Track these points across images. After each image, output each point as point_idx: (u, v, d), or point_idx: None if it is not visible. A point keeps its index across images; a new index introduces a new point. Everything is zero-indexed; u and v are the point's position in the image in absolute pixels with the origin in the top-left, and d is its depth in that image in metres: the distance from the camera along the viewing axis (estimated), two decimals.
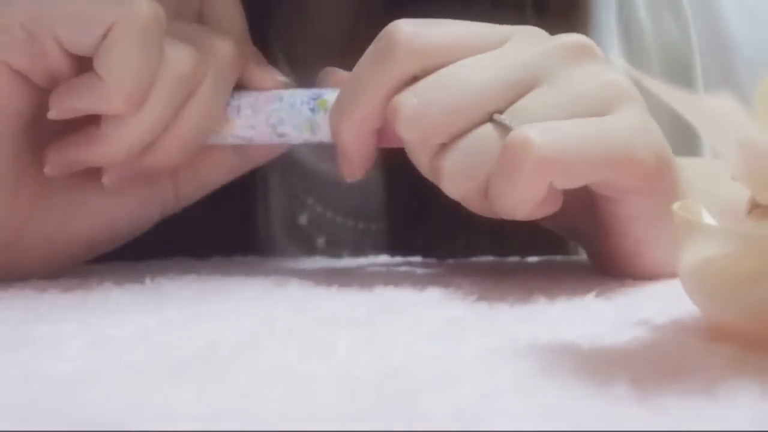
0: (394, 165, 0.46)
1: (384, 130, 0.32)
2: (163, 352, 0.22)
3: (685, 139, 0.43)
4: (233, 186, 0.46)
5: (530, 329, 0.25)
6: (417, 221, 0.46)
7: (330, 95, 0.34)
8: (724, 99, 0.18)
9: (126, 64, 0.31)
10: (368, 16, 0.45)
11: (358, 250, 0.47)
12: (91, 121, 0.33)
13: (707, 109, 0.19)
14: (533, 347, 0.23)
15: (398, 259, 0.41)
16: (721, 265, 0.22)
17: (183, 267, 0.37)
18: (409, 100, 0.30)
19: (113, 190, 0.35)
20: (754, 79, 0.21)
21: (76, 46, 0.31)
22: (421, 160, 0.31)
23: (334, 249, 0.48)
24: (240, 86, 0.36)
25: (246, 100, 0.36)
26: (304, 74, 0.46)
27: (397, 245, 0.45)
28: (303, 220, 0.48)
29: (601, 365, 0.21)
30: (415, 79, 0.30)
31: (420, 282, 0.30)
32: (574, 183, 0.29)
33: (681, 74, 0.46)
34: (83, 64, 0.32)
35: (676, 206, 0.23)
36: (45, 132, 0.34)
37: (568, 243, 0.46)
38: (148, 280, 0.34)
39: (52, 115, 0.32)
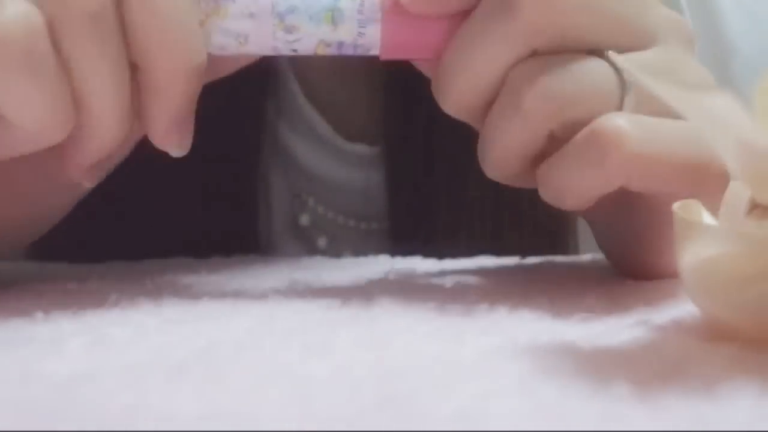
0: (395, 165, 0.47)
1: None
2: (163, 352, 0.22)
3: None
4: (234, 186, 0.46)
5: (530, 329, 0.25)
6: (417, 221, 0.46)
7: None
8: (723, 98, 0.18)
9: (19, 103, 0.25)
10: None
11: (359, 251, 0.47)
12: None
13: (706, 108, 0.19)
14: (533, 347, 0.23)
15: (398, 259, 0.41)
16: (721, 265, 0.22)
17: (183, 267, 0.37)
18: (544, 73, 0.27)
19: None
20: (753, 79, 0.21)
21: None
22: (534, 131, 0.28)
23: (335, 249, 0.48)
24: None
25: None
26: (308, 76, 0.47)
27: (397, 245, 0.45)
28: (304, 220, 0.48)
29: (601, 365, 0.21)
30: None
31: (420, 282, 0.30)
32: (651, 188, 0.27)
33: None
34: None
35: (676, 206, 0.23)
36: None
37: (568, 243, 0.46)
38: (148, 281, 0.34)
39: None
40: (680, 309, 0.26)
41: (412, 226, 0.46)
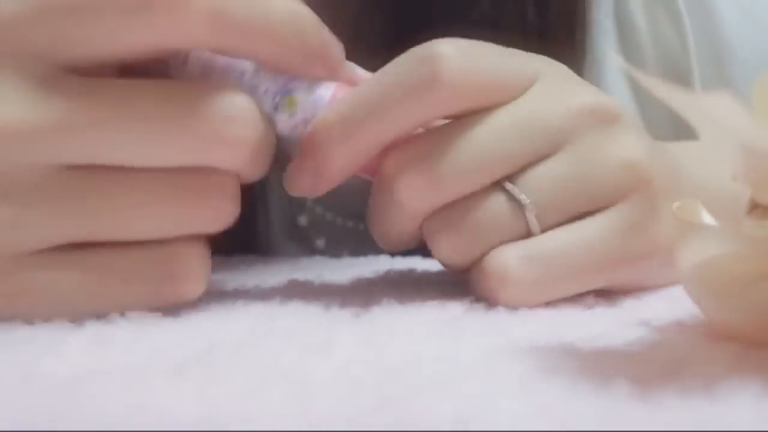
0: None
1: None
2: (163, 352, 0.22)
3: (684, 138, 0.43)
4: None
5: (530, 329, 0.25)
6: None
7: (302, 95, 0.28)
8: (722, 98, 0.18)
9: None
10: (369, 20, 0.45)
11: (357, 251, 0.47)
12: None
13: (706, 108, 0.19)
14: (533, 347, 0.23)
15: (398, 259, 0.41)
16: (722, 265, 0.22)
17: None
18: (417, 165, 0.27)
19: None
20: (751, 81, 0.21)
21: None
22: (409, 219, 0.28)
23: (334, 249, 0.48)
24: None
25: (197, 55, 0.28)
26: None
27: None
28: (303, 220, 0.48)
29: (601, 365, 0.21)
30: None
31: (420, 282, 0.30)
32: (563, 296, 0.28)
33: (677, 77, 0.46)
34: None
35: (676, 206, 0.23)
36: None
37: None
38: None
39: None
40: (680, 309, 0.26)
41: None
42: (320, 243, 0.49)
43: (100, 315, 0.26)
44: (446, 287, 0.32)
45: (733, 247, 0.21)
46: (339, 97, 0.28)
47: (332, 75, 0.28)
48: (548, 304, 0.28)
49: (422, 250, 0.38)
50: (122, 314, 0.26)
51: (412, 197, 0.27)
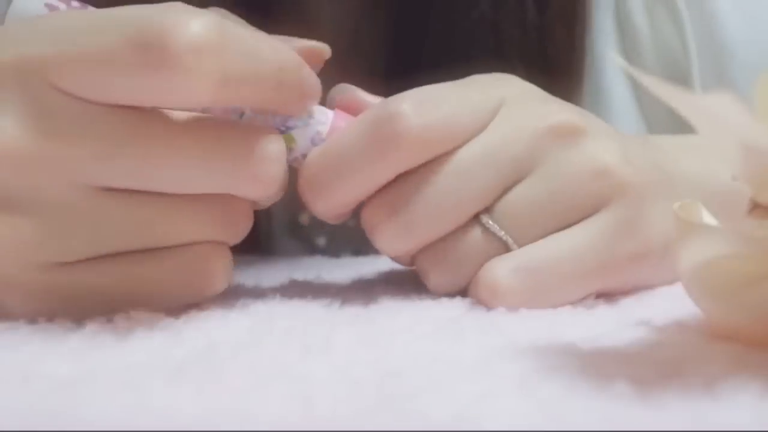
0: None
1: None
2: (163, 352, 0.22)
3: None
4: None
5: (530, 329, 0.25)
6: None
7: (300, 131, 0.29)
8: (722, 98, 0.18)
9: None
10: (370, 20, 0.45)
11: (358, 250, 0.47)
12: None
13: (706, 108, 0.19)
14: (533, 347, 0.23)
15: None
16: (722, 265, 0.22)
17: None
18: (393, 216, 0.28)
19: None
20: (751, 81, 0.21)
21: None
22: (397, 258, 0.30)
23: (334, 248, 0.48)
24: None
25: None
26: None
27: None
28: (304, 219, 0.48)
29: (601, 365, 0.21)
30: None
31: (420, 282, 0.30)
32: (556, 304, 0.28)
33: (678, 77, 0.46)
34: None
35: (676, 206, 0.23)
36: None
37: None
38: None
39: None
40: (680, 309, 0.26)
41: None
42: (321, 241, 0.49)
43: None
44: None
45: (733, 247, 0.21)
46: (338, 126, 0.29)
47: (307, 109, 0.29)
48: None
49: None
50: (125, 314, 0.26)
51: (389, 245, 0.29)
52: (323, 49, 0.30)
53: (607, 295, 0.29)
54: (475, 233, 0.29)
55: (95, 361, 0.22)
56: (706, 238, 0.22)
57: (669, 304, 0.28)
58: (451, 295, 0.29)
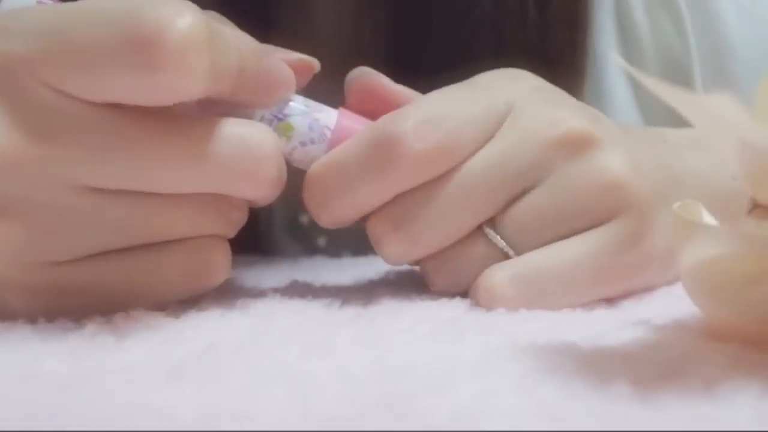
0: None
1: None
2: (163, 352, 0.22)
3: None
4: None
5: (530, 329, 0.25)
6: None
7: (298, 120, 0.29)
8: (723, 98, 0.18)
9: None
10: (371, 20, 0.45)
11: (358, 250, 0.47)
12: None
13: (706, 108, 0.19)
14: (533, 347, 0.23)
15: None
16: (722, 265, 0.22)
17: None
18: (398, 230, 0.28)
19: None
20: (751, 81, 0.21)
21: None
22: (402, 264, 0.30)
23: (334, 248, 0.48)
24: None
25: None
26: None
27: None
28: (304, 219, 0.48)
29: (601, 365, 0.21)
30: None
31: (420, 282, 0.30)
32: (555, 309, 0.28)
33: (678, 76, 0.46)
34: None
35: (675, 206, 0.23)
36: None
37: None
38: None
39: None
40: (680, 309, 0.26)
41: None
42: (321, 241, 0.49)
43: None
44: None
45: (733, 247, 0.21)
46: (343, 126, 0.29)
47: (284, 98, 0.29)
48: None
49: None
50: (125, 314, 0.26)
51: (395, 255, 0.29)
52: (312, 62, 0.30)
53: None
54: (479, 243, 0.29)
55: (95, 361, 0.22)
56: (705, 237, 0.22)
57: (668, 304, 0.28)
58: (451, 295, 0.29)
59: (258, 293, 0.31)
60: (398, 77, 0.31)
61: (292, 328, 0.25)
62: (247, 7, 0.35)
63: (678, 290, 0.25)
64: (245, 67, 0.27)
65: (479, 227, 0.29)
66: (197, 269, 0.28)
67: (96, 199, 0.26)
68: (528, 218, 0.28)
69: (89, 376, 0.20)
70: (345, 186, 0.28)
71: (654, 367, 0.20)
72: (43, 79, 0.25)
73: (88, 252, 0.26)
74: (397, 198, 0.29)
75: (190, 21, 0.24)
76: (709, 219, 0.24)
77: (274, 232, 0.49)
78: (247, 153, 0.26)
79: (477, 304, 0.28)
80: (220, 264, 0.28)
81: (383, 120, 0.28)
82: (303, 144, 0.29)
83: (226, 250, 0.28)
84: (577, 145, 0.28)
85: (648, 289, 0.30)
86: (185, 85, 0.25)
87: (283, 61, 0.29)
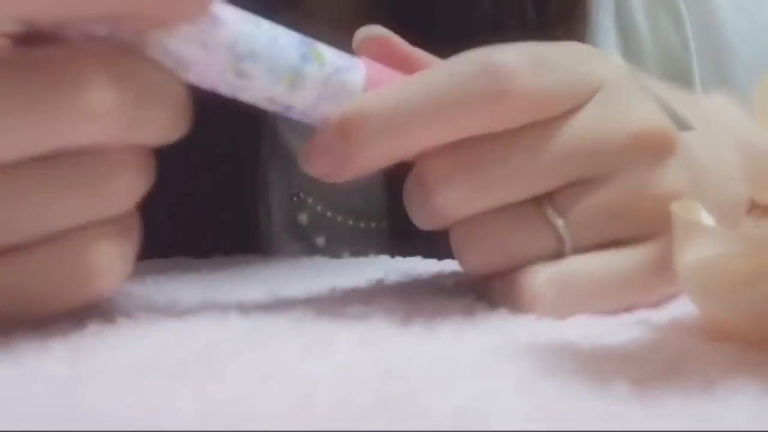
0: (395, 166, 0.47)
1: None
2: (163, 352, 0.22)
3: None
4: (234, 185, 0.46)
5: (530, 329, 0.25)
6: None
7: (327, 50, 0.25)
8: (722, 98, 0.18)
9: None
10: (371, 20, 0.45)
11: (358, 250, 0.47)
12: None
13: (706, 108, 0.19)
14: (533, 347, 0.23)
15: (398, 259, 0.41)
16: (721, 265, 0.22)
17: (184, 266, 0.37)
18: (471, 175, 0.26)
19: None
20: (751, 81, 0.21)
21: None
22: (441, 221, 0.27)
23: (334, 248, 0.48)
24: None
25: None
26: None
27: (397, 245, 0.45)
28: (303, 218, 0.48)
29: (600, 365, 0.21)
30: None
31: (420, 282, 0.30)
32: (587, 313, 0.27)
33: (678, 76, 0.46)
34: None
35: (675, 206, 0.23)
36: None
37: None
38: (148, 280, 0.34)
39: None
40: (680, 309, 0.26)
41: (411, 226, 0.46)
42: (320, 241, 0.49)
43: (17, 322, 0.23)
44: (446, 287, 0.32)
45: (733, 247, 0.21)
46: (371, 74, 0.26)
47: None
48: None
49: (424, 250, 0.38)
50: (125, 314, 0.26)
51: (452, 205, 0.26)
52: None
53: None
54: (531, 215, 0.27)
55: (95, 361, 0.22)
56: (705, 237, 0.22)
57: (668, 304, 0.28)
58: (450, 295, 0.29)
59: (258, 293, 0.31)
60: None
61: (292, 328, 0.25)
62: (247, 5, 0.35)
63: (677, 290, 0.25)
64: None
65: (538, 204, 0.27)
66: (70, 276, 0.23)
67: None
68: (587, 205, 0.27)
69: (89, 376, 0.20)
70: (418, 115, 0.25)
71: (653, 366, 0.20)
72: None
73: None
74: (467, 141, 0.26)
75: None
76: (707, 219, 0.24)
77: (272, 232, 0.49)
78: (65, 87, 0.22)
79: (513, 302, 0.27)
80: (100, 269, 0.23)
81: (481, 51, 0.26)
82: (339, 71, 0.25)
83: (111, 250, 0.23)
84: (658, 147, 0.27)
85: None
86: None
87: None
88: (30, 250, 0.22)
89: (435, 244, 0.42)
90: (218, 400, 0.18)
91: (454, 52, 0.27)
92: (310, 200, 0.48)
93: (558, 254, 0.27)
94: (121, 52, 0.23)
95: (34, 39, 0.23)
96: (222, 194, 0.46)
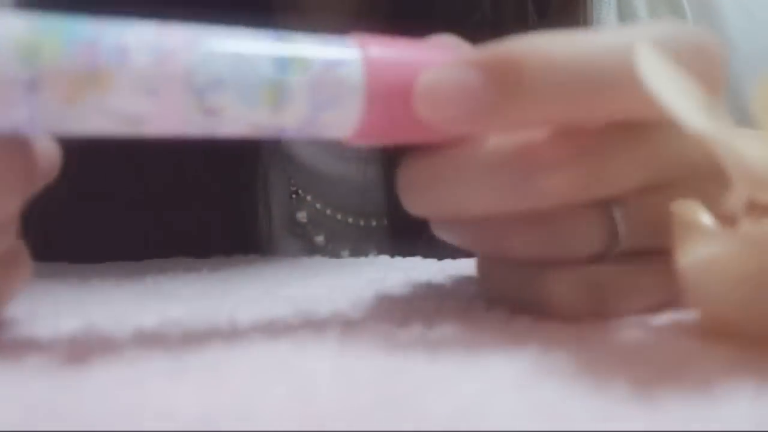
0: (393, 161, 0.47)
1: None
2: (163, 352, 0.22)
3: None
4: (233, 184, 0.46)
5: (530, 329, 0.25)
6: (417, 220, 0.46)
7: (309, 45, 0.21)
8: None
9: None
10: (370, 23, 0.45)
11: (357, 248, 0.47)
12: None
13: (706, 109, 0.19)
14: (533, 347, 0.23)
15: (398, 259, 0.41)
16: (720, 265, 0.22)
17: (183, 266, 0.37)
18: (584, 162, 0.24)
19: None
20: (753, 79, 0.21)
21: None
22: (545, 203, 0.24)
23: (333, 246, 0.48)
24: None
25: (140, 31, 0.19)
26: None
27: (397, 243, 0.45)
28: (302, 216, 0.48)
29: (600, 365, 0.21)
30: None
31: (420, 282, 0.30)
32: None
33: None
34: None
35: (675, 206, 0.23)
36: None
37: None
38: (148, 280, 0.34)
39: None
40: (680, 309, 0.26)
41: (410, 224, 0.46)
42: (320, 239, 0.49)
43: None
44: (446, 287, 0.32)
45: (732, 248, 0.21)
46: (370, 54, 0.22)
47: None
48: None
49: (424, 250, 0.38)
50: (125, 313, 0.26)
51: (568, 190, 0.24)
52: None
53: None
54: (591, 214, 0.25)
55: (96, 360, 0.22)
56: (705, 237, 0.22)
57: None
58: (450, 295, 0.29)
59: (258, 293, 0.31)
60: None
61: (292, 327, 0.25)
62: (245, 4, 0.34)
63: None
64: None
65: (606, 204, 0.25)
66: None
67: None
68: (651, 214, 0.25)
69: (89, 375, 0.20)
70: (591, 84, 0.22)
71: (653, 367, 0.20)
72: None
73: None
74: (580, 129, 0.24)
75: None
76: (707, 219, 0.24)
77: (272, 230, 0.49)
78: None
79: (536, 303, 0.26)
80: None
81: (687, 29, 0.24)
82: (328, 68, 0.21)
83: None
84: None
85: None
86: None
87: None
88: None
89: (434, 243, 0.42)
90: (218, 400, 0.18)
91: None
92: (309, 198, 0.49)
93: (600, 256, 0.25)
94: None
95: None
96: (222, 194, 0.46)
